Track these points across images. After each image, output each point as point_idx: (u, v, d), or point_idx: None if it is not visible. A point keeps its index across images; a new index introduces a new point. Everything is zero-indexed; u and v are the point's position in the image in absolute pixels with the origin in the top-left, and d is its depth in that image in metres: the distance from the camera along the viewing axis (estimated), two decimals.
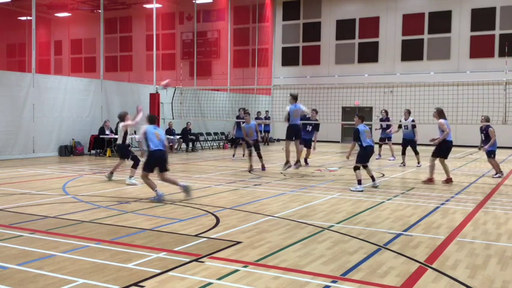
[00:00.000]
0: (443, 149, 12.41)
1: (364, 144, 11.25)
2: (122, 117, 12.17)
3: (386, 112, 18.15)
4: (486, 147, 13.52)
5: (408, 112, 16.52)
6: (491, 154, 13.57)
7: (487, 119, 13.61)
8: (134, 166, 11.84)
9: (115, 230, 7.04)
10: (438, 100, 16.69)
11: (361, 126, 11.42)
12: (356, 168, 11.24)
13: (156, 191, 9.48)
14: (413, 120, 16.38)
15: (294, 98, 13.99)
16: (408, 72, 28.28)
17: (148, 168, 9.60)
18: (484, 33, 27.17)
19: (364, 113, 28.19)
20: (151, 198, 9.48)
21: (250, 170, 14.47)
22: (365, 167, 11.40)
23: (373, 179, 11.43)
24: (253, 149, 14.73)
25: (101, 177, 12.67)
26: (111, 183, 11.77)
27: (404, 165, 16.40)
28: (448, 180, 12.31)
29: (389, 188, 11.60)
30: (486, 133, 13.54)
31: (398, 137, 17.93)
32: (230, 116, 25.00)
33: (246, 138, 15.11)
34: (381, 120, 18.43)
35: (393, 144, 18.53)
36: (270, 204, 9.25)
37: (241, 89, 29.12)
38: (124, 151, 12.35)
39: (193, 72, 32.22)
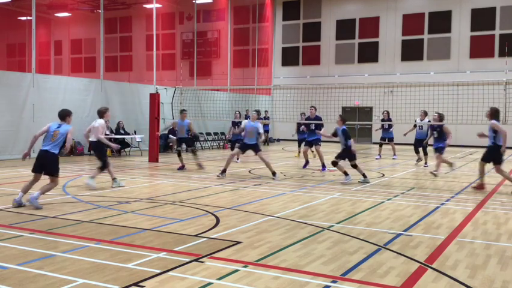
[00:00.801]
0: (493, 152, 11.05)
1: (349, 144, 12.15)
2: (102, 114, 11.11)
3: (388, 113, 18.20)
4: (447, 142, 13.64)
5: (425, 113, 16.58)
6: (441, 150, 13.67)
7: (441, 118, 13.77)
8: (102, 168, 11.02)
9: (115, 230, 7.04)
10: (438, 100, 16.72)
11: (345, 127, 12.33)
12: (335, 164, 12.24)
13: (20, 195, 8.63)
14: (429, 121, 16.49)
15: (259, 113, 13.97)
16: (408, 72, 28.29)
17: (32, 168, 8.83)
18: (484, 33, 27.18)
19: (364, 113, 28.47)
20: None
21: (182, 168, 14.83)
22: (336, 163, 12.26)
23: (347, 173, 12.11)
24: (182, 147, 15.30)
25: (101, 177, 12.66)
26: (111, 183, 11.74)
27: (421, 160, 16.68)
28: (479, 187, 11.32)
29: (389, 188, 11.61)
30: (440, 130, 13.66)
31: (410, 137, 18.01)
32: (230, 116, 25.00)
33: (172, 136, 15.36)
34: (382, 120, 18.50)
35: (395, 144, 18.72)
36: (270, 204, 9.25)
37: (241, 89, 29.12)
38: (101, 150, 11.33)
39: (193, 72, 32.23)
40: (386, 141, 18.75)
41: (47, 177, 8.88)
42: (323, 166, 15.07)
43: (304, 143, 16.16)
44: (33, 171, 8.82)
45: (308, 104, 20.15)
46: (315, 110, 15.92)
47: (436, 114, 13.84)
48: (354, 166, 12.23)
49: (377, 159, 18.56)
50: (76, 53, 38.17)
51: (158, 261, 5.53)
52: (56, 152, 8.76)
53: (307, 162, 15.85)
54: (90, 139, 11.39)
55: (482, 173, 11.36)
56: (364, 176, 12.19)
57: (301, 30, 31.89)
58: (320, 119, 15.86)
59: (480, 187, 11.29)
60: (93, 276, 4.99)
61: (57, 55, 39.02)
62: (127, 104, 21.65)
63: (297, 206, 9.01)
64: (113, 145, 11.99)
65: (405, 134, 17.18)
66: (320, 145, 15.53)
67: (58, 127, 8.91)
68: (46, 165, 8.72)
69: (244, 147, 13.41)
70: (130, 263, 5.44)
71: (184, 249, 6.02)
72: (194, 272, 5.17)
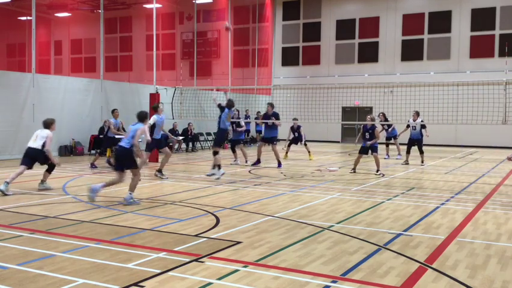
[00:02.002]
0: None
1: (221, 126, 12.77)
2: (48, 125, 10.66)
3: (384, 115, 18.14)
4: (369, 143, 14.04)
5: (417, 113, 17.00)
6: (376, 149, 14.18)
7: (373, 119, 14.40)
8: (49, 171, 10.92)
9: (115, 230, 7.04)
10: (438, 100, 16.71)
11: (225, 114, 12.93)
12: (215, 153, 12.36)
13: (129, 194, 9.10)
14: (422, 121, 16.76)
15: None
16: (408, 72, 28.28)
17: (115, 168, 9.48)
18: (484, 33, 27.17)
19: (364, 113, 28.37)
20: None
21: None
22: (217, 153, 12.38)
23: (219, 167, 12.42)
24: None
25: (101, 177, 12.67)
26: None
27: (407, 163, 16.74)
28: None
29: (389, 188, 11.61)
30: (372, 132, 14.13)
31: (404, 137, 18.14)
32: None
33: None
34: (380, 122, 18.48)
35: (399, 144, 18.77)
36: (270, 204, 9.24)
37: (241, 89, 29.11)
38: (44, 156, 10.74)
39: (193, 72, 32.22)
40: (392, 140, 18.89)
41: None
42: (279, 164, 15.35)
43: (268, 141, 16.20)
44: (115, 170, 9.36)
45: (308, 103, 20.17)
46: (272, 107, 16.12)
47: (369, 117, 14.42)
48: (215, 153, 12.40)
49: (385, 158, 18.49)
50: (76, 53, 38.15)
51: (158, 261, 5.53)
52: (128, 146, 9.11)
53: (258, 161, 15.87)
54: (34, 146, 10.60)
55: None
56: (217, 167, 12.18)
57: (301, 30, 31.88)
58: (277, 116, 16.06)
59: None
60: (93, 276, 4.99)
61: (57, 55, 38.99)
62: (127, 104, 21.62)
63: (297, 206, 9.01)
64: (55, 161, 11.01)
65: (398, 135, 17.58)
66: (275, 144, 15.85)
67: (134, 125, 9.42)
68: (123, 161, 9.16)
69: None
70: (130, 263, 5.44)
71: (184, 249, 6.02)
72: (194, 272, 5.17)
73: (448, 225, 7.65)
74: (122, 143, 9.25)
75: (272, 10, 32.41)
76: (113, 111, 16.22)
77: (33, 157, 10.56)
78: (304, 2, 31.73)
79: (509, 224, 7.77)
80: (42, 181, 10.83)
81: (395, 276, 5.16)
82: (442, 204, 9.48)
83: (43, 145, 10.48)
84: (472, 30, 27.50)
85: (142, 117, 9.49)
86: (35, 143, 10.55)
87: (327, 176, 13.57)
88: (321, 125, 26.99)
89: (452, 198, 10.15)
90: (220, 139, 13.16)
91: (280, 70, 32.43)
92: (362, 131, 14.45)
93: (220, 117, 13.05)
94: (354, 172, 14.20)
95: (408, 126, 17.17)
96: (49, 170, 10.91)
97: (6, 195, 9.88)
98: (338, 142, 30.28)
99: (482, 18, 27.18)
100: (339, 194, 10.52)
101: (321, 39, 31.24)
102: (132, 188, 9.12)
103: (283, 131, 19.63)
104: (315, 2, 31.34)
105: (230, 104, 13.33)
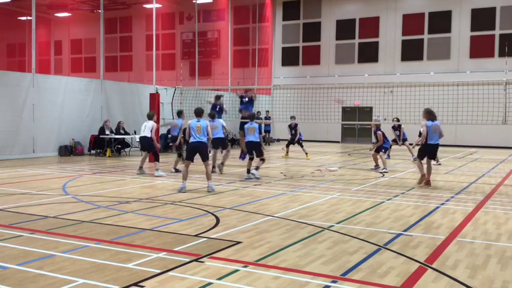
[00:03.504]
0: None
1: (249, 139, 12.86)
2: (151, 117, 13.73)
3: (398, 119, 17.86)
4: (374, 147, 15.32)
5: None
6: (381, 149, 15.10)
7: (377, 125, 15.41)
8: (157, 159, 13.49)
9: (115, 230, 7.04)
10: (438, 100, 16.70)
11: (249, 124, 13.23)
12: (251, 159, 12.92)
13: (184, 184, 10.65)
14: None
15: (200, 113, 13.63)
16: (408, 72, 28.28)
17: (187, 157, 10.87)
18: (484, 33, 27.17)
19: (364, 113, 28.48)
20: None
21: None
22: (252, 158, 12.90)
23: (249, 171, 12.85)
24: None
25: (101, 177, 12.68)
26: (110, 183, 11.76)
27: (439, 163, 17.21)
28: (424, 181, 11.91)
29: (389, 188, 11.61)
30: (376, 136, 15.26)
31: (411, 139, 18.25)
32: (231, 116, 24.96)
33: None
34: (393, 127, 18.36)
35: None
36: (270, 204, 9.24)
37: (241, 89, 29.04)
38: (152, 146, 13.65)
39: (192, 72, 32.21)
40: (401, 142, 18.75)
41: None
42: (243, 154, 16.05)
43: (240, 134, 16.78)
44: (187, 159, 10.80)
45: (308, 104, 20.17)
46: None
47: (374, 121, 16.04)
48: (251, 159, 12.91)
49: (386, 159, 18.41)
50: (76, 53, 38.15)
51: (158, 261, 5.53)
52: (206, 140, 10.72)
53: (243, 153, 16.30)
54: (143, 135, 13.59)
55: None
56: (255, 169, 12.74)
57: (301, 30, 31.89)
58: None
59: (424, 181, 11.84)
60: (93, 276, 4.99)
61: (57, 55, 39.00)
62: (127, 104, 21.66)
63: (297, 206, 9.01)
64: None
65: (413, 146, 17.30)
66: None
67: (198, 121, 10.74)
68: (200, 153, 10.62)
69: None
70: (130, 263, 5.44)
71: (184, 249, 6.02)
72: (194, 272, 5.17)
73: (448, 225, 7.65)
74: (196, 139, 10.58)
75: (272, 10, 32.42)
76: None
77: (144, 144, 13.77)
78: (304, 2, 31.73)
79: (509, 224, 7.77)
80: (156, 169, 13.14)
81: (395, 276, 5.16)
82: (442, 204, 9.48)
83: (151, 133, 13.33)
84: (472, 30, 27.50)
85: (200, 113, 10.99)
86: (144, 132, 13.41)
87: (327, 176, 13.57)
88: (321, 125, 27.01)
89: (452, 198, 10.15)
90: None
91: (280, 70, 32.44)
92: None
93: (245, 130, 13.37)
94: (378, 166, 15.28)
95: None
96: (156, 158, 13.43)
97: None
98: (338, 142, 30.27)
99: (482, 18, 27.18)
100: (339, 194, 10.52)
101: (321, 39, 31.24)
102: (209, 176, 10.73)
103: (282, 131, 19.60)
104: (315, 2, 31.35)
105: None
